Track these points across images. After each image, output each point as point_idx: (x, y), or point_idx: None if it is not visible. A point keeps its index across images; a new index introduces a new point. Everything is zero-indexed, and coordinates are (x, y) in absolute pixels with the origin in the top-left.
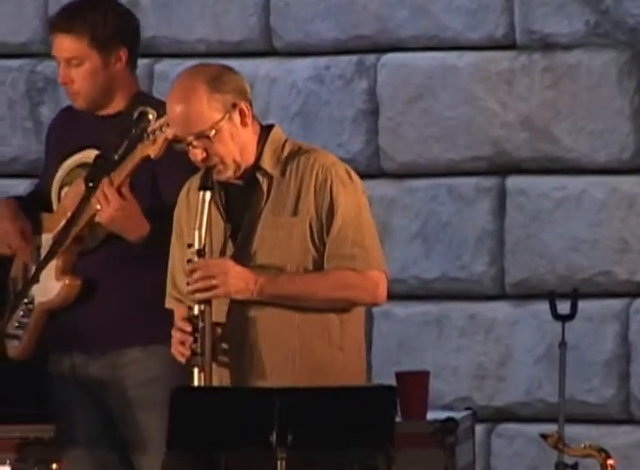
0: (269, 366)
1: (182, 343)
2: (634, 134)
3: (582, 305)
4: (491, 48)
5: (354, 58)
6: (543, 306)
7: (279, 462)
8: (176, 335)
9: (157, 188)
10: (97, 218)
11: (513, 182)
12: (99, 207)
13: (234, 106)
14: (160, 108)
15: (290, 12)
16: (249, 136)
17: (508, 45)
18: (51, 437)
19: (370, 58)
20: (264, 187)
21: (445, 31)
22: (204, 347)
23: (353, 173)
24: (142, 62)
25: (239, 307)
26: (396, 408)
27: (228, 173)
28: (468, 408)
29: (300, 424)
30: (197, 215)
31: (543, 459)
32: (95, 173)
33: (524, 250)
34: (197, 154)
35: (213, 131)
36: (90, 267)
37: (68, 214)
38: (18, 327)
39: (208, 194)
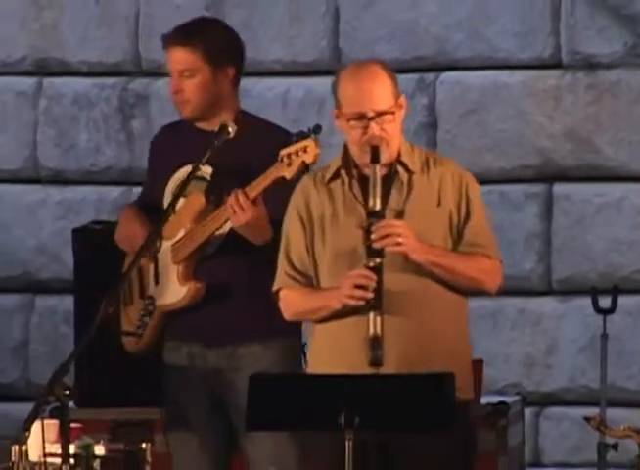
0: (403, 330)
1: (361, 287)
2: None
3: (622, 300)
4: (539, 67)
5: (415, 76)
6: (586, 301)
7: (347, 442)
8: (360, 280)
9: (267, 202)
10: (231, 223)
11: (559, 189)
12: (234, 213)
13: (399, 95)
14: (270, 129)
15: (357, 35)
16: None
17: (554, 64)
18: (141, 419)
19: (429, 76)
20: (404, 180)
21: (498, 52)
22: (381, 293)
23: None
24: None
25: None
26: (455, 393)
27: (382, 158)
28: (518, 393)
29: (367, 407)
30: (371, 186)
31: (586, 440)
32: (215, 187)
33: (568, 250)
34: (374, 129)
35: (394, 110)
36: (211, 271)
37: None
38: (138, 327)
39: (378, 167)
